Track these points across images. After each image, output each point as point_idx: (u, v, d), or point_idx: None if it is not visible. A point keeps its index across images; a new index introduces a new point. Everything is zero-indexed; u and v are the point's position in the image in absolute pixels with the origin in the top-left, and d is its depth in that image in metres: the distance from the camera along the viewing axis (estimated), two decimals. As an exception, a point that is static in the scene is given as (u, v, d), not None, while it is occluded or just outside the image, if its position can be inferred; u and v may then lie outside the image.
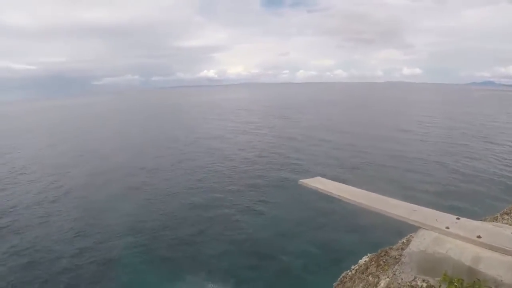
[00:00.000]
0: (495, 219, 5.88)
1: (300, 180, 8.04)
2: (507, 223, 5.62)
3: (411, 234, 6.13)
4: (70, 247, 25.06)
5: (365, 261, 7.07)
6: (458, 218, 5.15)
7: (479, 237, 4.50)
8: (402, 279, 5.35)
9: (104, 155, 56.58)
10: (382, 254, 6.66)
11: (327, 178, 8.33)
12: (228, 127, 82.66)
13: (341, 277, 7.42)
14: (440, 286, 4.43)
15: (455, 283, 4.20)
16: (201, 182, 39.81)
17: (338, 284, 7.33)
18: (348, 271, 7.37)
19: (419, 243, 5.14)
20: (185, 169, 45.95)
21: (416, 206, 5.96)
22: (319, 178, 8.22)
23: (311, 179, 8.13)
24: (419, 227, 5.45)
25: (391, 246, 6.67)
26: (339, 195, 7.05)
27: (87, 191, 38.14)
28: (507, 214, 6.00)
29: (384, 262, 6.41)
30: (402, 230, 6.58)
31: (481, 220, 5.24)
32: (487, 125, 76.82)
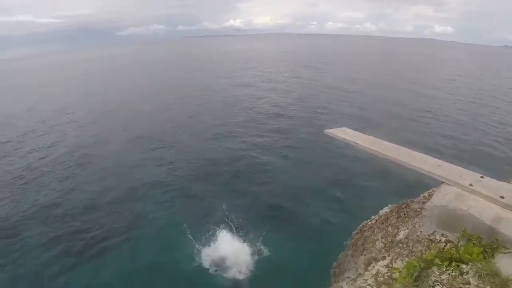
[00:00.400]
0: (520, 182, 5.73)
1: (326, 130, 7.94)
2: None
3: (433, 189, 6.08)
4: (100, 193, 26.30)
5: (385, 212, 7.15)
6: (482, 177, 5.04)
7: (502, 197, 4.42)
8: (421, 231, 5.41)
9: (134, 105, 57.08)
10: (403, 206, 6.70)
11: (352, 129, 8.20)
12: (254, 76, 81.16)
13: (360, 226, 7.58)
14: (458, 242, 4.46)
15: (473, 241, 4.21)
16: (227, 127, 40.15)
17: (357, 233, 7.51)
18: (368, 220, 7.50)
19: (441, 197, 5.10)
20: (212, 115, 46.26)
21: (441, 161, 5.85)
22: (344, 128, 8.09)
23: (336, 129, 8.02)
24: (442, 182, 5.39)
25: (413, 199, 6.68)
26: (364, 146, 6.96)
27: (117, 140, 39.04)
28: (534, 177, 5.81)
29: (404, 214, 6.47)
30: (425, 184, 6.52)
31: (505, 181, 5.10)
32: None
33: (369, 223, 7.43)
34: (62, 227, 21.93)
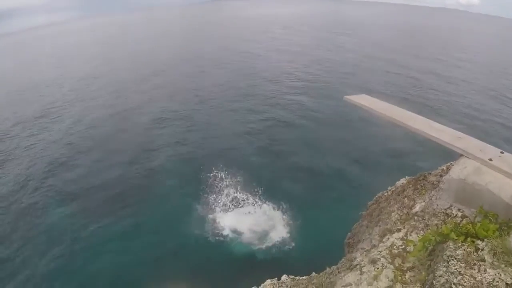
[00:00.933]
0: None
1: (345, 96, 7.79)
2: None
3: (451, 162, 5.97)
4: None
5: (402, 183, 7.09)
6: (502, 152, 4.89)
7: (522, 174, 4.32)
8: (437, 205, 5.37)
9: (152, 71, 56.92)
10: (421, 178, 6.63)
11: (372, 96, 7.99)
12: (272, 43, 79.48)
13: (377, 196, 7.57)
14: (475, 217, 4.42)
15: (490, 217, 4.17)
16: (245, 94, 40.01)
17: (372, 203, 7.52)
18: (385, 191, 7.47)
19: (460, 171, 5.01)
20: (230, 83, 46.00)
21: (460, 133, 5.70)
22: (364, 95, 7.90)
23: (356, 95, 7.82)
24: (461, 155, 5.28)
25: (430, 172, 6.59)
26: (383, 113, 6.79)
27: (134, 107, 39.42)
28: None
29: (421, 186, 6.41)
30: (443, 157, 6.42)
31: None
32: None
33: (386, 194, 7.40)
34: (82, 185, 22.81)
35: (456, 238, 4.08)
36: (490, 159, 4.75)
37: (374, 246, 5.82)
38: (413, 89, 41.91)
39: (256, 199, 20.23)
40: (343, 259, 6.37)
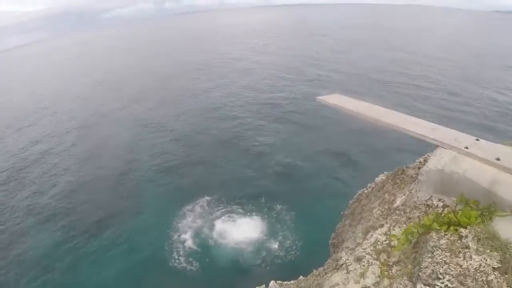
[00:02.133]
0: (516, 144, 5.65)
1: (318, 97, 7.76)
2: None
3: (428, 154, 6.00)
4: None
5: (381, 179, 7.10)
6: (477, 139, 4.94)
7: (498, 159, 4.33)
8: (418, 197, 5.36)
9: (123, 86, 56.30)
10: (399, 172, 6.64)
11: (345, 95, 7.99)
12: (244, 49, 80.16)
13: (357, 194, 7.55)
14: (456, 206, 4.41)
15: (471, 204, 4.17)
16: (221, 101, 39.84)
17: (354, 202, 7.49)
18: (365, 189, 7.46)
19: (437, 161, 5.02)
20: (204, 90, 45.85)
21: (436, 125, 5.75)
22: (336, 94, 7.89)
23: (328, 95, 7.81)
24: (438, 146, 5.30)
25: (408, 165, 6.61)
26: (357, 112, 6.81)
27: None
28: (528, 140, 5.72)
29: (400, 180, 6.42)
30: (420, 149, 6.47)
31: (501, 144, 5.02)
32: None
33: (366, 191, 7.39)
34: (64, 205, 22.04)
35: (438, 228, 4.06)
36: (466, 147, 4.78)
37: (359, 244, 5.75)
38: (386, 84, 42.74)
39: (239, 208, 20.03)
40: (328, 260, 6.29)
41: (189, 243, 18.05)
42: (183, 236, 18.46)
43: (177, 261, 17.02)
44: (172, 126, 34.57)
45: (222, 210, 20.12)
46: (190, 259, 17.05)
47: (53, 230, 20.30)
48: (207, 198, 21.27)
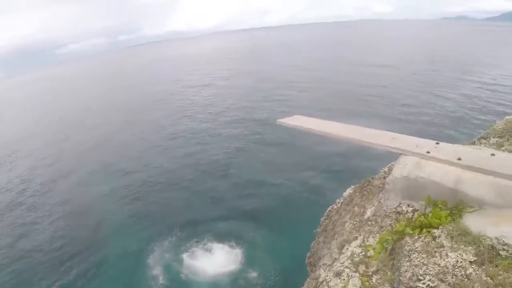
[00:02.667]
0: (473, 144, 5.98)
1: (278, 120, 7.85)
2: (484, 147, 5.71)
3: (392, 163, 6.19)
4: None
5: (349, 193, 7.19)
6: (437, 143, 5.18)
7: (459, 159, 4.55)
8: (387, 206, 5.46)
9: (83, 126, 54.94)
10: (365, 184, 6.77)
11: (304, 115, 8.13)
12: (197, 78, 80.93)
13: (327, 211, 7.58)
14: (425, 209, 4.53)
15: (439, 205, 4.30)
16: (182, 130, 39.43)
17: (325, 219, 7.50)
18: (334, 204, 7.51)
19: (401, 169, 5.18)
20: (165, 125, 45.39)
21: (395, 134, 5.97)
22: (296, 116, 8.03)
23: (289, 118, 7.94)
24: (400, 154, 5.48)
25: (374, 176, 6.77)
26: (318, 130, 6.94)
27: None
28: (484, 138, 6.08)
29: (368, 191, 6.53)
30: (383, 160, 6.67)
31: (460, 144, 5.30)
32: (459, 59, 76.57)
33: (335, 207, 7.45)
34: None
35: (412, 232, 4.13)
36: (428, 152, 4.98)
37: (336, 259, 5.72)
38: (343, 100, 44.23)
39: (210, 236, 19.40)
40: (308, 280, 6.19)
41: (161, 280, 17.11)
42: (154, 272, 17.50)
43: None
44: (138, 158, 33.75)
45: (193, 240, 19.40)
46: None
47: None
48: (174, 228, 20.53)
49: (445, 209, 4.19)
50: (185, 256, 18.51)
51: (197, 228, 20.24)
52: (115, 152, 36.67)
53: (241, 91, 58.35)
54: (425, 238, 3.92)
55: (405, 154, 5.35)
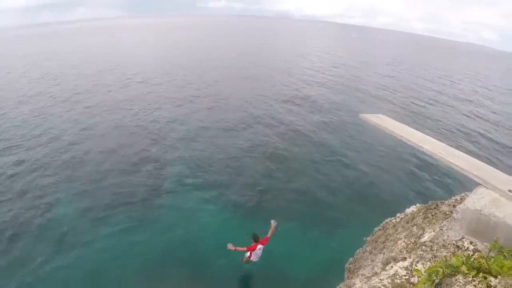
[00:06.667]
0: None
1: (361, 114, 7.53)
2: None
3: (466, 193, 5.60)
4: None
5: (412, 211, 6.72)
6: (524, 183, 4.54)
7: (546, 209, 3.94)
8: (448, 236, 5.00)
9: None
10: (432, 207, 6.25)
11: (389, 117, 7.69)
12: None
13: (384, 223, 7.18)
14: (489, 252, 4.03)
15: (505, 253, 3.78)
16: (273, 106, 39.82)
17: (379, 229, 7.13)
18: (393, 218, 7.09)
19: (476, 201, 4.65)
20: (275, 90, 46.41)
21: (480, 162, 5.36)
22: (380, 115, 7.64)
23: (372, 114, 7.59)
24: (479, 185, 4.92)
25: (443, 201, 6.21)
26: (400, 135, 6.55)
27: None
28: None
29: (432, 215, 6.03)
30: (457, 187, 6.06)
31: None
32: None
33: (394, 220, 7.03)
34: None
35: (467, 272, 3.71)
36: (510, 190, 4.38)
37: (376, 273, 5.43)
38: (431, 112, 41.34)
39: (255, 215, 19.41)
40: (341, 285, 5.98)
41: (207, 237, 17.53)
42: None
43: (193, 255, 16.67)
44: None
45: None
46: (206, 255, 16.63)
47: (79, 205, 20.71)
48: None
49: (511, 259, 3.67)
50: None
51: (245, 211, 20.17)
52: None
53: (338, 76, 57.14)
54: (478, 283, 3.49)
55: (484, 186, 4.79)
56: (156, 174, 23.68)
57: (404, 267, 5.02)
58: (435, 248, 5.00)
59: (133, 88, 47.13)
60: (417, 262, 4.98)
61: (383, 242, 6.55)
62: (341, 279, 7.08)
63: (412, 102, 45.32)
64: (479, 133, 35.19)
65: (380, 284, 4.75)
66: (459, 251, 4.52)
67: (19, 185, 22.01)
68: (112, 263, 16.06)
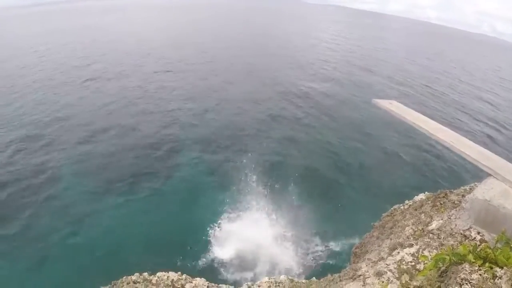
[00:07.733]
0: None
1: (374, 99, 7.54)
2: None
3: (475, 183, 5.62)
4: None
5: (421, 198, 6.77)
6: (535, 177, 4.54)
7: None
8: (456, 225, 5.05)
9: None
10: (441, 195, 6.28)
11: (402, 103, 7.68)
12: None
13: (392, 209, 7.25)
14: (496, 242, 4.08)
15: (511, 245, 3.83)
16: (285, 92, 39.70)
17: (387, 215, 7.21)
18: (401, 205, 7.15)
19: (485, 191, 4.68)
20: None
21: (491, 153, 5.35)
22: (393, 101, 7.62)
23: (385, 100, 7.58)
24: (489, 176, 4.93)
25: (452, 190, 6.24)
26: (412, 122, 6.55)
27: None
28: None
29: (441, 203, 6.07)
30: (467, 176, 6.08)
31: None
32: None
33: (402, 207, 7.09)
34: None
35: (473, 261, 3.77)
36: (521, 183, 4.40)
37: (382, 258, 5.53)
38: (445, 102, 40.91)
39: (266, 198, 19.49)
40: (347, 268, 6.10)
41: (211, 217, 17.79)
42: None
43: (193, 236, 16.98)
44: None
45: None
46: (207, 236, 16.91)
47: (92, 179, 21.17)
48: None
49: (518, 251, 3.72)
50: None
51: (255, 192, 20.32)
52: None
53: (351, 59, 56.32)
54: (484, 273, 3.56)
55: (494, 177, 4.80)
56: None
57: (410, 253, 5.10)
58: (442, 236, 5.07)
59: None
60: (424, 249, 5.06)
61: (391, 228, 6.64)
62: (348, 263, 7.24)
63: (427, 90, 44.86)
64: (494, 122, 34.89)
65: (386, 269, 4.84)
66: (466, 240, 4.58)
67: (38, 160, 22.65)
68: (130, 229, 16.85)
